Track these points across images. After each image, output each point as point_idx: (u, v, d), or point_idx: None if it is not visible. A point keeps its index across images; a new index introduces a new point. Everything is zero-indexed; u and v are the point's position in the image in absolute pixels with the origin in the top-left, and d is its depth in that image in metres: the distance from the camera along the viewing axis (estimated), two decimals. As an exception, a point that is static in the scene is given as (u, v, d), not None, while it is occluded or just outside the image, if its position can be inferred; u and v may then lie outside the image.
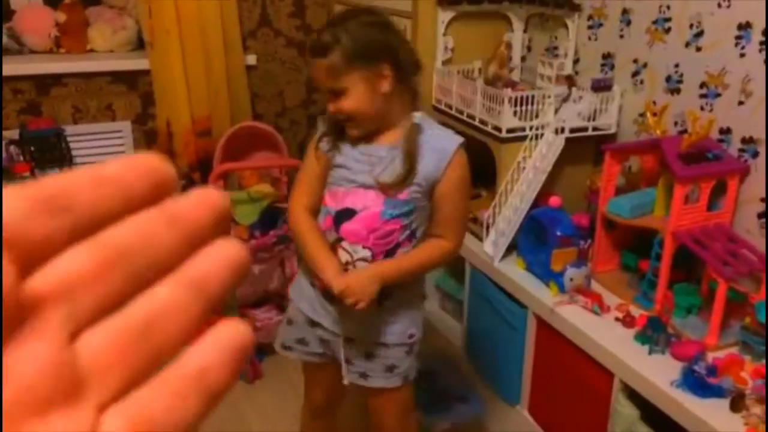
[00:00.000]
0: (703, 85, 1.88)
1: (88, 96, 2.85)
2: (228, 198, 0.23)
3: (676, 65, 1.96)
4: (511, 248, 2.08)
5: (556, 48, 2.44)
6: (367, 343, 1.54)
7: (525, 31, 2.54)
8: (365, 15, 1.45)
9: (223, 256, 0.22)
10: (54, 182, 0.20)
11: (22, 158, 2.60)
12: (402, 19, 2.49)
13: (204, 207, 0.22)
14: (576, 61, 2.34)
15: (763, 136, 1.72)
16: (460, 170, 1.45)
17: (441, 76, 2.40)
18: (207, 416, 0.21)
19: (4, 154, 2.58)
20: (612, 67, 2.20)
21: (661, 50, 2.00)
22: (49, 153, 2.64)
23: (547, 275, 1.93)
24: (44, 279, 0.19)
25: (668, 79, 1.99)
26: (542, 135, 2.06)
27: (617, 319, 1.78)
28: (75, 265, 0.20)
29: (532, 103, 2.08)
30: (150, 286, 0.21)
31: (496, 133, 2.10)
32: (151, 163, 0.22)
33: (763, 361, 1.56)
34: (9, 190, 0.19)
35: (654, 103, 2.02)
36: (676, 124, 1.97)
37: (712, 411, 1.46)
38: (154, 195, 0.22)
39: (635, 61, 2.10)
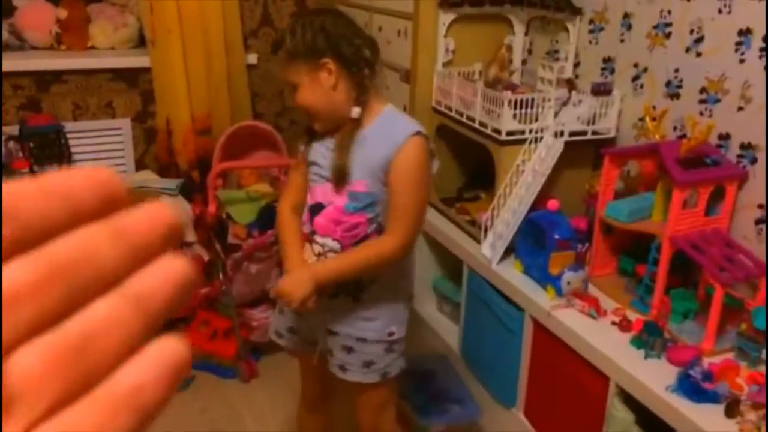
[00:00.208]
0: (702, 90, 1.88)
1: (88, 93, 2.85)
2: (179, 214, 0.23)
3: (676, 70, 1.96)
4: (509, 251, 2.08)
5: (556, 51, 2.44)
6: (346, 337, 1.57)
7: (526, 34, 2.54)
8: (318, 13, 1.53)
9: (168, 272, 0.22)
10: (1, 191, 0.20)
11: (21, 154, 2.60)
12: (403, 21, 2.50)
13: (153, 222, 0.22)
14: (576, 65, 2.34)
15: (762, 143, 1.72)
16: (411, 160, 1.43)
17: (441, 78, 2.41)
18: None
19: (3, 150, 2.58)
20: (612, 72, 2.20)
21: (662, 55, 2.00)
22: (49, 149, 2.64)
23: (545, 278, 1.93)
24: None
25: (668, 84, 1.99)
26: (542, 138, 2.06)
27: (614, 323, 1.78)
28: (12, 279, 0.19)
29: (532, 106, 2.08)
30: (91, 301, 0.21)
31: (495, 135, 2.10)
32: (102, 176, 0.21)
33: (759, 368, 1.56)
34: None
35: (653, 107, 2.02)
36: (675, 129, 1.98)
37: (707, 416, 1.45)
38: (104, 208, 0.21)
39: (635, 65, 2.10)
